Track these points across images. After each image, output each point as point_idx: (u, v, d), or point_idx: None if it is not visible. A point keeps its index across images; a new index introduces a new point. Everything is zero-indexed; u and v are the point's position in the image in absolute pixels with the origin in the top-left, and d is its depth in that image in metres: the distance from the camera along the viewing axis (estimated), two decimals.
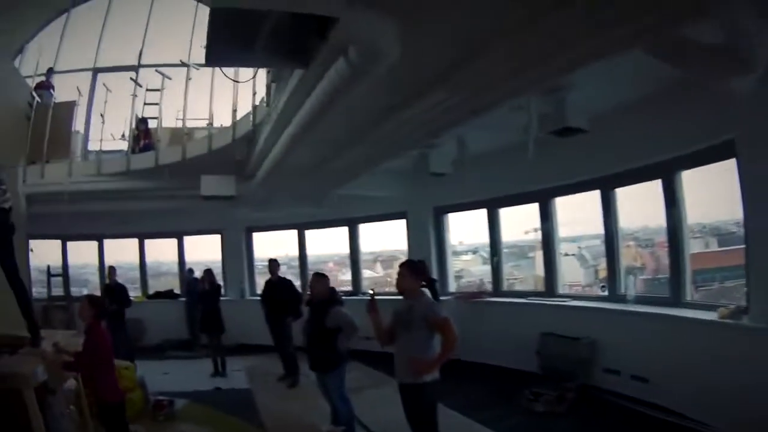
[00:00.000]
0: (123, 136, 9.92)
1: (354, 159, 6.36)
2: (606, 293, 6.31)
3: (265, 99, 7.22)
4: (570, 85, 4.41)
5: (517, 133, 4.97)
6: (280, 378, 7.39)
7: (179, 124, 9.24)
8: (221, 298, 8.33)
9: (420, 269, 4.19)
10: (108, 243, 11.26)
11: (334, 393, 4.85)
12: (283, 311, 7.09)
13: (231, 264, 10.79)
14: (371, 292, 4.06)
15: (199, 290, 8.58)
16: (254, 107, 7.63)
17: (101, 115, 10.03)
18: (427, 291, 6.76)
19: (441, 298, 7.19)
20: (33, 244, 10.74)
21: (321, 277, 5.06)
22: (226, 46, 4.54)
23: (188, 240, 11.38)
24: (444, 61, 3.96)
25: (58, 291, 10.60)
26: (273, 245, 11.01)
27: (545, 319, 6.49)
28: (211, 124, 8.63)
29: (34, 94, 9.22)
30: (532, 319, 6.63)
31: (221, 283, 9.58)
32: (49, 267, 10.40)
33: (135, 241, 11.29)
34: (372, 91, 4.23)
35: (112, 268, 8.79)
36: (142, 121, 9.52)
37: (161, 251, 11.81)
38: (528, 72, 3.59)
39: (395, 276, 4.00)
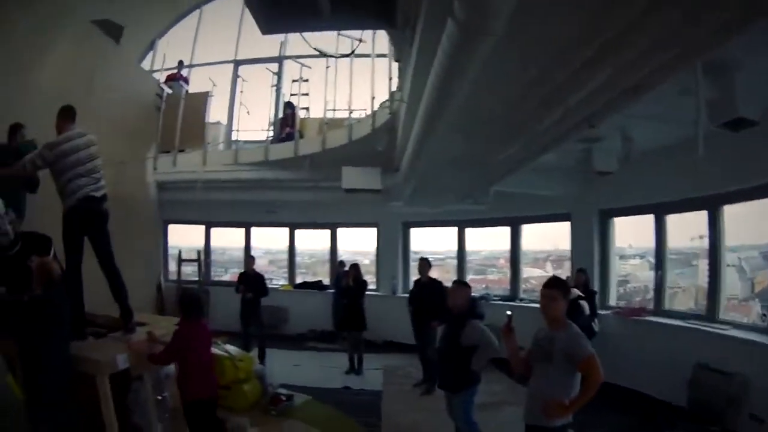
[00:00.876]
0: (270, 124, 10.20)
1: (505, 152, 5.82)
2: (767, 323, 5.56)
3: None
4: (738, 64, 3.69)
5: (687, 126, 4.21)
6: (417, 383, 7.27)
7: (328, 115, 9.34)
8: (368, 293, 8.30)
9: (568, 289, 3.53)
10: (257, 231, 11.76)
11: (459, 415, 4.61)
12: (429, 315, 6.84)
13: (385, 259, 10.80)
14: (509, 314, 3.52)
15: (343, 285, 8.66)
16: (391, 93, 7.35)
17: (241, 104, 10.50)
18: (585, 304, 6.35)
19: (600, 312, 6.85)
20: (172, 228, 12.09)
21: (461, 286, 4.78)
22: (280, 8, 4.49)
23: (343, 231, 11.46)
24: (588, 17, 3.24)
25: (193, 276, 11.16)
26: (433, 242, 10.89)
27: (702, 348, 5.86)
28: (351, 113, 8.57)
29: (164, 86, 9.74)
30: (688, 346, 6.01)
31: (373, 278, 9.93)
32: (180, 252, 10.96)
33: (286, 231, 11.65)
34: (499, 61, 3.56)
35: (250, 257, 9.17)
36: (289, 105, 9.78)
37: (315, 240, 11.96)
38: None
39: (542, 299, 3.30)
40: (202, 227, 11.98)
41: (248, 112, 10.52)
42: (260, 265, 11.91)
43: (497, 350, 4.23)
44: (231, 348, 6.63)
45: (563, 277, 5.21)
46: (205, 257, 11.67)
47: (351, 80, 8.66)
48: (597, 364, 3.11)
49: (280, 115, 10.05)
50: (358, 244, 11.69)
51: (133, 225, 8.40)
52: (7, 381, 4.02)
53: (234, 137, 11.00)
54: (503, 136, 5.32)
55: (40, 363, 3.73)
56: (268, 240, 12.30)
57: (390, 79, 7.50)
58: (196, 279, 10.79)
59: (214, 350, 6.31)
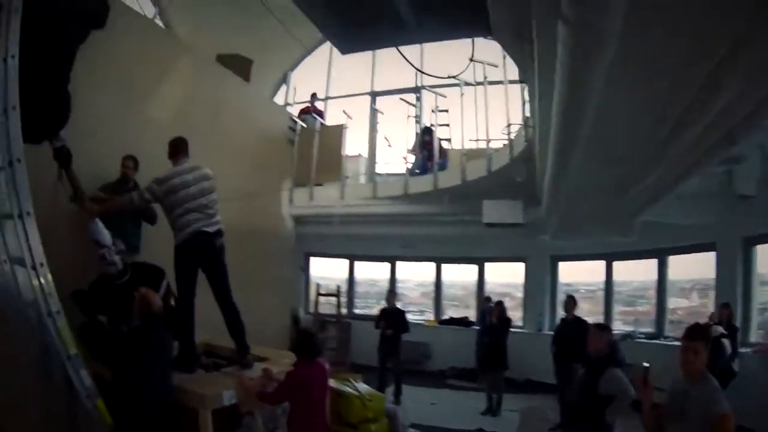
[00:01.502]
0: (409, 151, 10.76)
1: (646, 178, 5.90)
2: None
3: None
4: None
5: None
6: (553, 428, 7.30)
7: (469, 145, 9.65)
8: (512, 330, 8.56)
9: (710, 337, 3.36)
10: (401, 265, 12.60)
11: None
12: (572, 356, 6.70)
13: (532, 294, 11.02)
14: (646, 366, 3.35)
15: (486, 323, 8.96)
16: (525, 119, 7.39)
17: (385, 137, 11.46)
18: (727, 343, 6.16)
19: (740, 350, 6.64)
20: (314, 262, 13.15)
21: (601, 331, 4.71)
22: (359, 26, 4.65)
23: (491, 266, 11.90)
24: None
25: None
26: (583, 274, 11.02)
27: None
28: (488, 142, 8.81)
29: (297, 119, 10.41)
30: None
31: (520, 313, 10.24)
32: (318, 285, 11.66)
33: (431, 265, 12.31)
34: (624, 75, 3.47)
35: (391, 293, 9.59)
36: (427, 131, 10.24)
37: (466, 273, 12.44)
38: None
39: (684, 352, 3.11)
40: (346, 261, 12.92)
41: (390, 145, 11.29)
42: (412, 298, 12.73)
43: (632, 400, 4.09)
44: (363, 386, 6.86)
45: (708, 310, 5.16)
46: (348, 290, 12.58)
47: (486, 108, 8.88)
48: (731, 426, 2.98)
49: (419, 140, 10.45)
50: (508, 277, 11.93)
51: (269, 258, 9.08)
52: (98, 404, 4.10)
53: (376, 169, 11.75)
54: (641, 161, 5.36)
55: (131, 392, 3.96)
56: (421, 272, 12.79)
57: (523, 103, 7.59)
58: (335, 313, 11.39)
59: (344, 388, 6.59)
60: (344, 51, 5.85)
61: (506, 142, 8.27)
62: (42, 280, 3.72)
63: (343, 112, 10.60)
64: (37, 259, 3.70)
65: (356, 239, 11.38)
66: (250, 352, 5.21)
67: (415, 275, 13.11)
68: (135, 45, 6.46)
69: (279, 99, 12.28)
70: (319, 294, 11.34)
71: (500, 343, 8.24)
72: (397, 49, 5.40)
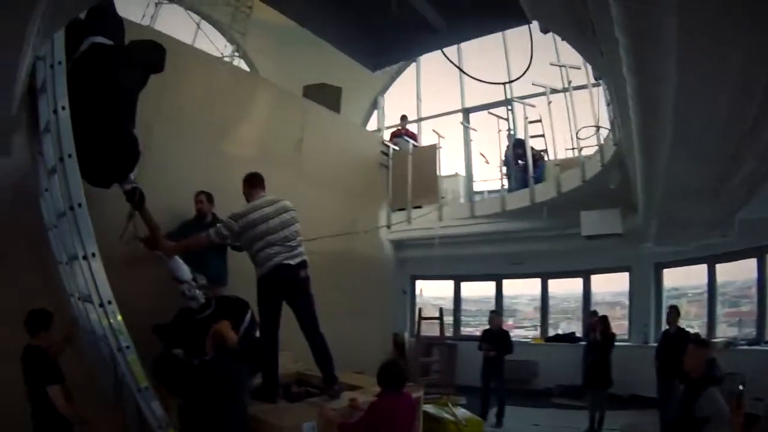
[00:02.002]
0: (503, 164, 10.56)
1: (739, 173, 5.22)
2: None
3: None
4: None
5: None
6: None
7: (563, 154, 9.33)
8: (618, 343, 8.26)
9: None
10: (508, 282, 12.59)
11: None
12: (674, 371, 6.24)
13: (637, 304, 10.63)
14: (741, 389, 3.14)
15: (590, 339, 8.61)
16: (611, 121, 6.92)
17: (480, 153, 11.35)
18: None
19: None
20: (421, 284, 13.35)
21: (698, 348, 4.43)
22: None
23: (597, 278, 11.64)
24: None
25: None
26: (689, 278, 10.55)
27: None
28: (579, 150, 8.44)
29: (389, 143, 10.54)
30: None
31: (625, 324, 9.97)
32: (420, 310, 11.57)
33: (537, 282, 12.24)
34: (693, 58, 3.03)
35: (494, 313, 9.50)
36: (519, 144, 10.02)
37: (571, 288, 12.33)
38: None
39: None
40: (451, 282, 13.05)
41: (487, 161, 11.14)
42: (526, 313, 12.74)
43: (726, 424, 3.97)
44: (461, 411, 7.11)
45: None
46: (454, 311, 12.71)
47: (574, 113, 8.54)
48: None
49: (512, 154, 10.20)
50: (618, 286, 11.52)
51: (368, 284, 9.23)
52: None
53: (474, 187, 11.84)
54: (731, 154, 4.75)
55: (199, 426, 4.06)
56: (533, 287, 12.65)
57: (607, 104, 7.12)
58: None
59: (442, 413, 6.84)
60: (374, 68, 5.99)
61: (597, 148, 7.88)
62: (110, 318, 4.00)
63: (434, 131, 10.63)
64: (105, 298, 3.99)
65: (460, 260, 11.30)
66: (339, 382, 5.22)
67: (527, 290, 12.91)
68: (209, 84, 6.90)
69: (372, 124, 12.73)
70: (421, 318, 11.28)
71: (604, 360, 7.94)
72: (442, 52, 5.11)
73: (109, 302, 4.01)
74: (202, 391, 4.09)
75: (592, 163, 7.72)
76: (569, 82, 8.33)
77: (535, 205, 8.76)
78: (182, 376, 4.31)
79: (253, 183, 5.37)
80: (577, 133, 8.03)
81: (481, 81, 5.07)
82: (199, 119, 6.67)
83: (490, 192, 11.19)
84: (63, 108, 3.91)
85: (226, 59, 11.09)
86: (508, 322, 12.26)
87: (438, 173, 10.38)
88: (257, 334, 5.23)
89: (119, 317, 4.06)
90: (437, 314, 11.12)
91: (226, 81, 7.29)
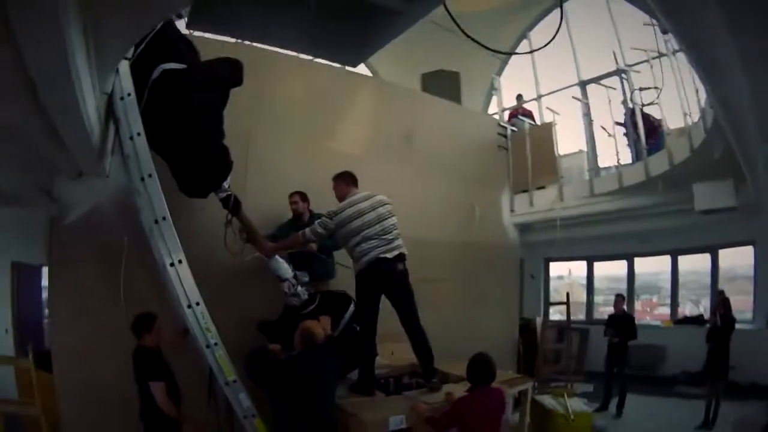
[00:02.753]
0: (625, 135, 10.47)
1: None
2: None
3: None
4: None
5: None
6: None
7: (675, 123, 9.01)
8: (740, 326, 7.84)
9: None
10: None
11: None
12: None
13: (762, 283, 9.90)
14: None
15: (710, 324, 8.20)
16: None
17: (602, 127, 11.21)
18: None
19: None
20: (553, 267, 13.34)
21: None
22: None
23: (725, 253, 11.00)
24: None
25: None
26: None
27: None
28: (689, 116, 8.07)
29: (505, 124, 10.40)
30: None
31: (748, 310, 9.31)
32: (548, 294, 11.76)
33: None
34: None
35: (618, 297, 9.30)
36: (632, 114, 9.82)
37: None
38: None
39: None
40: (584, 263, 12.87)
41: (609, 134, 10.89)
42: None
43: None
44: (574, 402, 7.04)
45: None
46: (587, 294, 12.52)
47: (681, 79, 8.23)
48: None
49: (630, 124, 10.09)
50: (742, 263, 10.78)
51: (493, 272, 9.21)
52: (256, 423, 4.76)
53: (599, 163, 11.53)
54: None
55: (287, 418, 4.33)
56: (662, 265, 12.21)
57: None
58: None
59: (554, 405, 6.91)
60: (354, 64, 6.00)
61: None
62: (199, 317, 4.59)
63: (548, 108, 10.77)
64: (192, 300, 4.59)
65: (590, 240, 11.17)
66: (438, 376, 5.38)
67: (656, 268, 12.59)
68: (307, 88, 7.45)
69: (493, 108, 12.85)
70: (549, 303, 11.39)
71: (723, 347, 7.57)
72: (452, 18, 4.61)
73: (197, 303, 4.60)
74: (288, 385, 4.38)
75: (697, 131, 7.34)
76: (674, 48, 7.96)
77: (650, 179, 8.51)
78: (269, 371, 4.57)
79: (344, 180, 5.61)
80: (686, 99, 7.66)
81: (485, 47, 5.04)
82: (298, 123, 7.17)
83: (617, 167, 10.79)
84: (138, 134, 4.51)
85: None
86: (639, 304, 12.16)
87: (556, 152, 10.29)
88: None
89: (206, 315, 4.65)
90: (564, 299, 10.81)
91: (324, 83, 7.69)
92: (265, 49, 7.23)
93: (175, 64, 4.91)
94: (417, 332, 5.35)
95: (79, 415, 5.56)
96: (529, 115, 11.41)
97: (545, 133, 10.21)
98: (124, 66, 4.48)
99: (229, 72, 5.33)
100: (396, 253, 5.27)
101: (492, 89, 12.77)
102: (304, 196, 6.25)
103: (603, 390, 8.66)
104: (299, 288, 5.65)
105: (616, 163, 10.43)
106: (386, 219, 5.35)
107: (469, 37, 4.64)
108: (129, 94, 4.51)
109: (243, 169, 6.33)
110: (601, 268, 13.07)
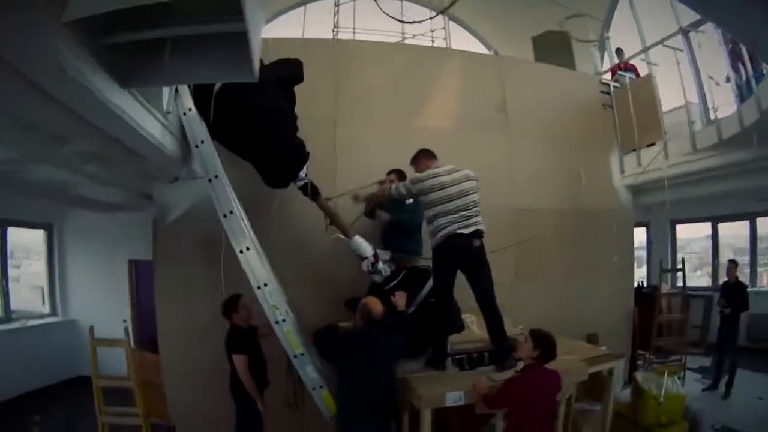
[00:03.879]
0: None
1: None
2: None
3: None
4: None
5: None
6: None
7: None
8: None
9: None
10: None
11: None
12: None
13: None
14: None
15: None
16: None
17: (710, 77, 10.12)
18: None
19: None
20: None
21: None
22: None
23: None
24: None
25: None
26: None
27: None
28: None
29: (607, 81, 10.08)
30: None
31: None
32: (660, 261, 11.26)
33: None
34: None
35: (731, 263, 9.00)
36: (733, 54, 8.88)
37: None
38: None
39: None
40: (708, 224, 12.40)
41: (717, 83, 9.96)
42: None
43: None
44: (672, 383, 6.81)
45: None
46: (712, 258, 12.06)
47: None
48: None
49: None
50: None
51: (605, 238, 8.99)
52: (323, 395, 5.39)
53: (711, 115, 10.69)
54: None
55: (345, 391, 4.88)
56: None
57: None
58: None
59: (648, 384, 6.78)
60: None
61: None
62: (267, 296, 5.31)
63: (642, 60, 10.21)
64: (261, 281, 5.31)
65: (712, 198, 10.34)
66: (512, 358, 5.31)
67: None
68: (389, 70, 8.02)
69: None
70: (662, 270, 10.94)
71: None
72: None
73: (266, 285, 5.29)
74: (346, 360, 4.88)
75: None
76: None
77: (745, 129, 7.86)
78: (330, 346, 5.09)
79: (423, 156, 5.82)
80: None
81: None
82: (383, 105, 7.79)
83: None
84: (202, 142, 5.32)
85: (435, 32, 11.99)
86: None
87: (657, 106, 9.65)
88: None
89: (272, 295, 5.34)
90: (679, 265, 10.67)
91: (406, 63, 8.20)
92: (347, 41, 8.68)
93: None
94: (491, 311, 5.42)
95: (180, 387, 6.82)
96: (632, 69, 10.88)
97: (645, 87, 9.66)
98: (183, 87, 5.32)
99: (289, 71, 6.14)
100: (473, 229, 5.34)
101: (601, 47, 12.40)
102: (401, 174, 6.45)
103: (714, 365, 8.52)
104: (380, 265, 6.08)
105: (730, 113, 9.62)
106: (468, 195, 5.42)
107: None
108: (190, 109, 5.34)
109: (331, 154, 7.36)
110: (728, 230, 12.50)
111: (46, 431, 7.44)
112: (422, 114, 8.01)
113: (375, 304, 5.01)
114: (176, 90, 5.21)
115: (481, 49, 14.00)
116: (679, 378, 7.40)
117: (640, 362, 8.98)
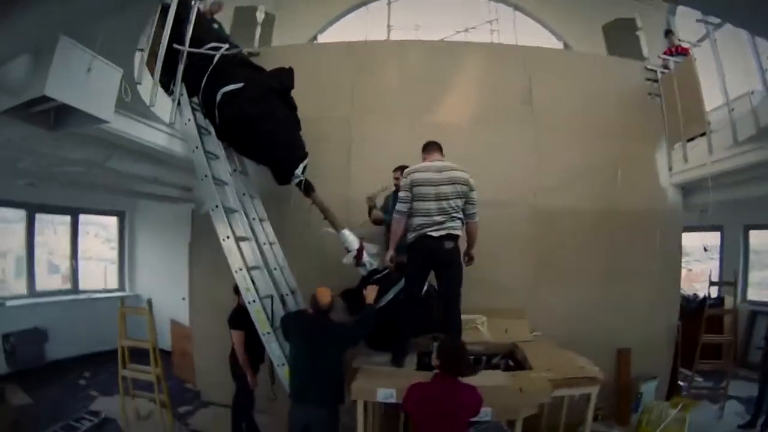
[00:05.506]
0: None
1: None
2: None
3: None
4: None
5: None
6: None
7: None
8: None
9: None
10: None
11: None
12: None
13: None
14: None
15: None
16: None
17: None
18: None
19: None
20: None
21: None
22: None
23: None
24: None
25: None
26: None
27: None
28: None
29: (653, 67, 9.45)
30: None
31: None
32: (710, 272, 10.91)
33: None
34: None
35: None
36: None
37: None
38: None
39: None
40: None
41: None
42: None
43: None
44: (676, 419, 6.77)
45: None
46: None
47: None
48: None
49: None
50: None
51: (646, 243, 8.49)
52: (285, 372, 6.03)
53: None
54: None
55: (293, 369, 5.62)
56: None
57: None
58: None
59: (650, 416, 6.81)
60: None
61: None
62: (240, 280, 6.31)
63: (679, 40, 9.89)
64: (236, 266, 6.33)
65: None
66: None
67: None
68: (405, 68, 8.60)
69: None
70: (711, 283, 10.52)
71: None
72: None
73: (240, 269, 6.27)
74: (294, 342, 5.67)
75: None
76: None
77: None
78: (287, 326, 5.86)
79: (425, 150, 6.00)
80: None
81: None
82: (400, 101, 8.29)
83: None
84: (196, 148, 6.67)
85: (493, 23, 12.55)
86: None
87: (699, 93, 8.59)
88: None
89: (248, 279, 6.28)
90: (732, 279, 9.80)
91: (421, 59, 8.71)
92: (366, 42, 9.52)
93: (233, 85, 6.95)
94: (453, 316, 5.69)
95: (206, 357, 8.35)
96: (683, 52, 10.02)
97: (687, 71, 8.77)
98: (184, 100, 6.78)
99: (281, 80, 7.22)
100: (443, 233, 5.54)
101: (667, 32, 12.16)
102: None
103: (755, 401, 7.76)
104: (365, 258, 6.64)
105: None
106: (448, 199, 5.61)
107: None
108: (189, 120, 6.71)
109: (346, 151, 8.19)
110: None
111: (91, 386, 9.48)
112: (439, 110, 8.34)
113: (323, 294, 5.55)
114: (179, 104, 6.62)
115: (551, 40, 14.17)
116: (688, 410, 7.14)
117: (683, 383, 8.90)
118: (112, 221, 12.52)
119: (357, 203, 7.31)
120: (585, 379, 5.63)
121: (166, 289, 10.57)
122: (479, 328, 6.76)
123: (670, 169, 8.95)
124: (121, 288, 12.36)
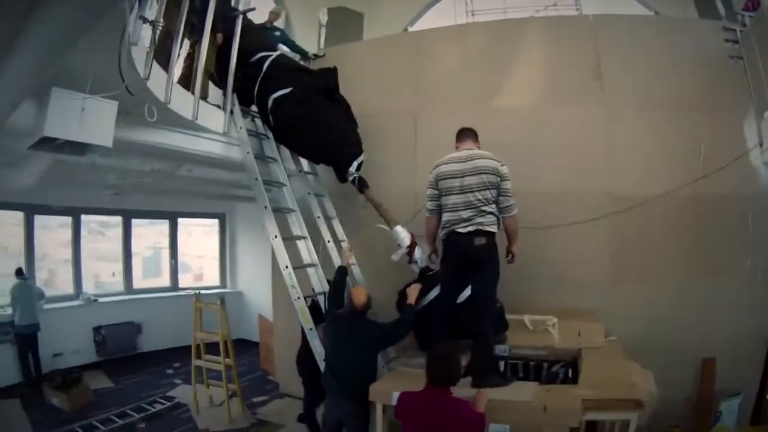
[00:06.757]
0: None
1: None
2: None
3: None
4: None
5: None
6: None
7: None
8: None
9: None
10: None
11: None
12: None
13: None
14: None
15: None
16: None
17: None
18: None
19: None
20: None
21: None
22: None
23: None
24: None
25: None
26: None
27: None
28: None
29: (732, 26, 8.20)
30: None
31: None
32: None
33: None
34: None
35: None
36: None
37: None
38: None
39: None
40: None
41: None
42: None
43: None
44: None
45: None
46: None
47: None
48: None
49: None
50: None
51: (737, 233, 7.38)
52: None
53: None
54: None
55: (326, 361, 5.78)
56: None
57: None
58: None
59: None
60: None
61: None
62: (287, 277, 6.64)
63: None
64: (283, 264, 6.68)
65: None
66: (492, 377, 5.19)
67: None
68: (463, 53, 8.57)
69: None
70: None
71: None
72: None
73: (286, 267, 6.61)
74: (329, 334, 5.88)
75: None
76: None
77: None
78: (327, 320, 6.14)
79: (457, 138, 5.91)
80: None
81: None
82: (461, 89, 8.11)
83: None
84: (248, 153, 7.14)
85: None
86: None
87: None
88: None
89: (293, 277, 6.60)
90: None
91: (480, 42, 8.55)
92: (424, 31, 9.71)
93: (282, 90, 7.47)
94: (482, 321, 5.38)
95: (286, 351, 8.74)
96: (757, 6, 8.25)
97: (763, 26, 7.69)
98: (236, 109, 7.38)
99: (325, 80, 7.62)
100: (471, 229, 5.38)
101: None
102: None
103: None
104: (417, 254, 6.63)
105: None
106: (473, 191, 5.43)
107: None
108: (241, 127, 7.28)
109: (412, 146, 8.19)
110: None
111: (177, 375, 10.70)
112: (501, 93, 8.00)
113: (359, 294, 5.68)
114: (231, 113, 7.25)
115: (641, 11, 13.46)
116: None
117: None
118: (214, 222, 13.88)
119: (424, 197, 6.27)
120: (625, 402, 4.56)
121: (258, 286, 11.59)
122: (549, 330, 6.33)
123: (761, 144, 7.50)
124: (222, 285, 13.63)
